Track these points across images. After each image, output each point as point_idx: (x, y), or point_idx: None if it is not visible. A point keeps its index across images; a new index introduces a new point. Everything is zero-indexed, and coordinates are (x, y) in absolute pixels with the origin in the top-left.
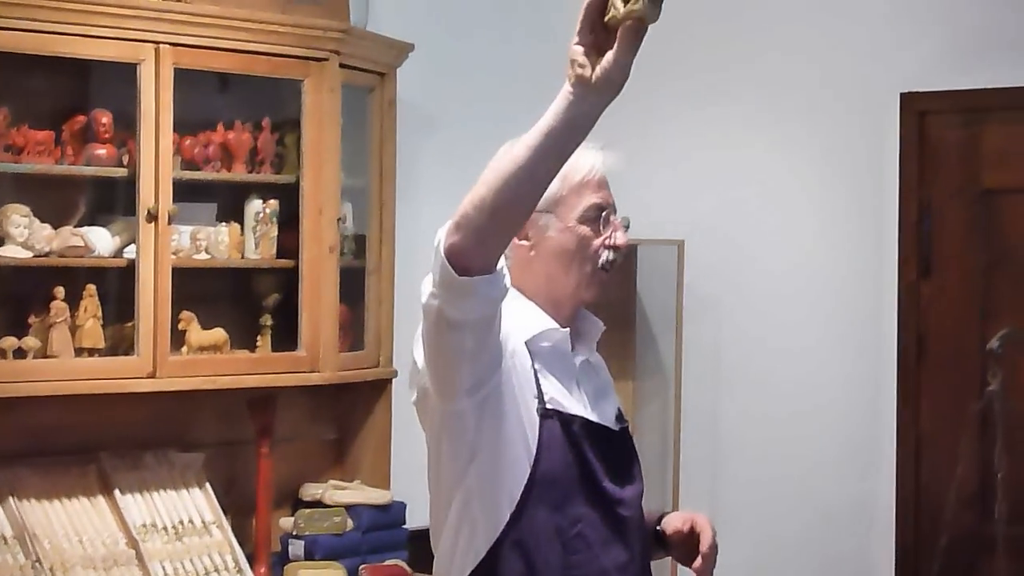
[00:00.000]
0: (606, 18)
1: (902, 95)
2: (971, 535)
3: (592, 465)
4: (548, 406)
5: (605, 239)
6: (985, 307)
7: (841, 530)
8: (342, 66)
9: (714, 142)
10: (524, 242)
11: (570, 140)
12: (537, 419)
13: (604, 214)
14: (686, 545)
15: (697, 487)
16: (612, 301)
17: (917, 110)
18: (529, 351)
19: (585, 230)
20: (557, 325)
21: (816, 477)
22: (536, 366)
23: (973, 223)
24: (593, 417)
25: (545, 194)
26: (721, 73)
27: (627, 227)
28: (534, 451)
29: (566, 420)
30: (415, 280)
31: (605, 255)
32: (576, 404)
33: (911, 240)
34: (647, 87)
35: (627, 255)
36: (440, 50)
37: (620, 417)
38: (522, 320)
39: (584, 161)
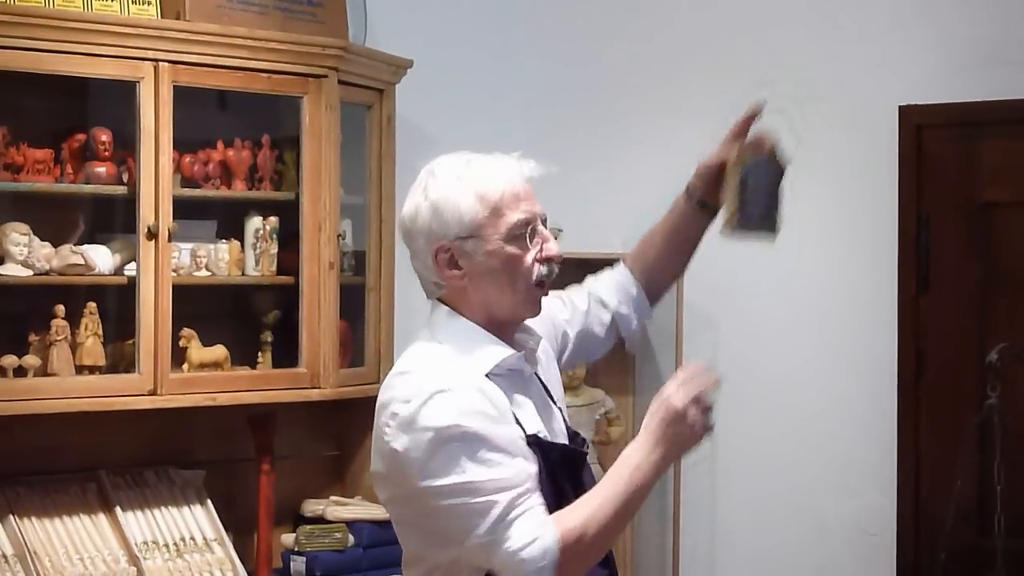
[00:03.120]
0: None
1: (900, 108)
2: (971, 549)
3: (567, 493)
4: (529, 432)
5: (536, 253)
6: (984, 321)
7: (841, 547)
8: (341, 83)
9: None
10: (456, 271)
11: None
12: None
13: (530, 228)
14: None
15: (696, 504)
16: None
17: (914, 123)
18: (494, 383)
19: (512, 249)
20: (510, 349)
21: (815, 493)
22: (508, 397)
23: (971, 237)
24: (559, 439)
25: (465, 220)
26: (719, 88)
27: (558, 234)
28: None
29: (546, 448)
30: (414, 296)
31: (537, 270)
32: (545, 428)
33: (909, 254)
34: (647, 105)
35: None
36: (438, 67)
37: (565, 423)
38: (479, 353)
39: (499, 177)
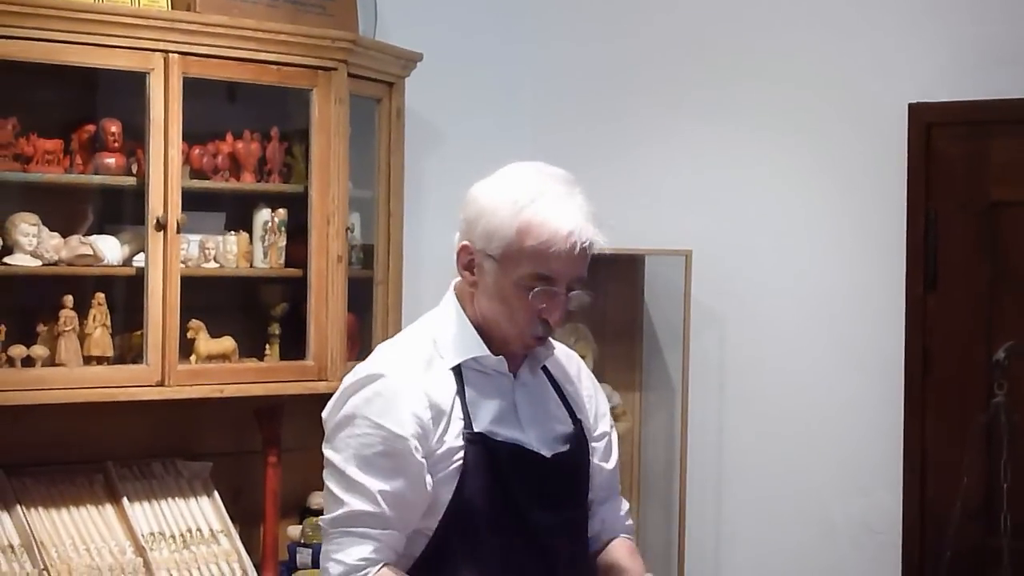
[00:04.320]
0: None
1: (910, 106)
2: (977, 548)
3: (514, 493)
4: (476, 429)
5: (537, 310)
6: (991, 320)
7: (847, 545)
8: (350, 76)
9: (721, 155)
10: (468, 274)
11: None
12: (462, 444)
13: (544, 287)
14: None
15: (702, 501)
16: (619, 312)
17: (924, 122)
18: (461, 373)
19: (518, 293)
20: (488, 352)
21: (822, 491)
22: (467, 392)
23: (979, 236)
24: (528, 442)
25: (496, 237)
26: (728, 86)
27: (582, 303)
28: (456, 480)
29: (492, 446)
30: (422, 290)
31: (534, 325)
32: (509, 429)
33: (917, 253)
34: (657, 101)
35: (636, 266)
36: (447, 61)
37: (568, 439)
38: (458, 342)
39: (550, 225)
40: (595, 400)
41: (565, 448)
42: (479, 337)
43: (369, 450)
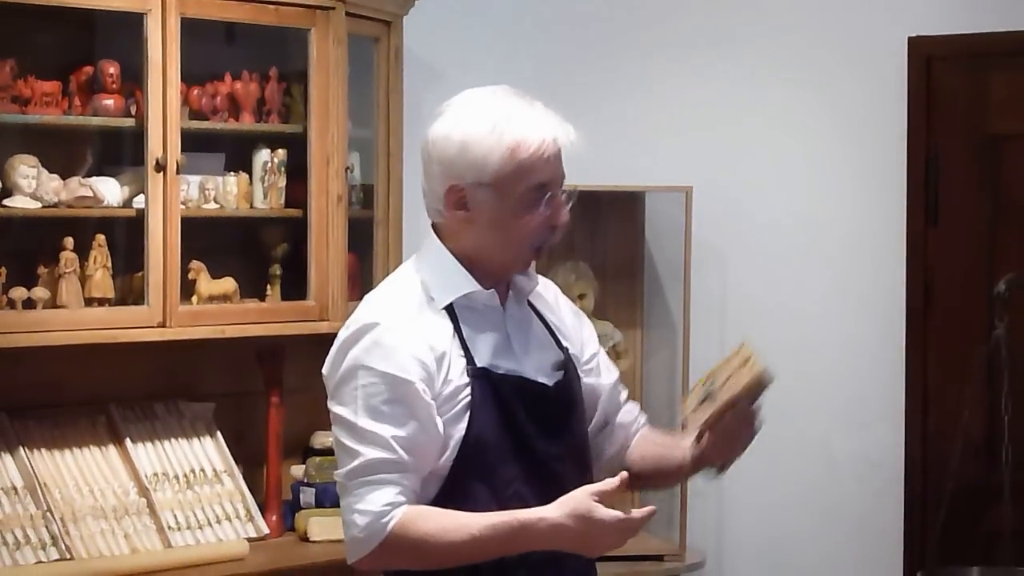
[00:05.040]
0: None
1: (909, 39)
2: (978, 482)
3: (522, 424)
4: (478, 365)
5: (545, 219)
6: (992, 253)
7: (849, 481)
8: (348, 15)
9: (719, 90)
10: (461, 212)
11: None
12: (467, 380)
13: (548, 194)
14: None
15: None
16: (620, 249)
17: (924, 55)
18: (455, 312)
19: (522, 208)
20: (479, 287)
21: (824, 428)
22: (464, 330)
23: (980, 170)
24: (527, 373)
25: (488, 169)
26: (725, 20)
27: (573, 199)
28: (465, 416)
29: (496, 380)
30: (423, 229)
31: (539, 236)
32: (507, 361)
33: (918, 188)
34: (655, 39)
35: (636, 202)
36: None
37: (561, 365)
38: (447, 281)
39: (534, 134)
40: (578, 326)
41: (560, 376)
42: (468, 273)
43: (376, 399)
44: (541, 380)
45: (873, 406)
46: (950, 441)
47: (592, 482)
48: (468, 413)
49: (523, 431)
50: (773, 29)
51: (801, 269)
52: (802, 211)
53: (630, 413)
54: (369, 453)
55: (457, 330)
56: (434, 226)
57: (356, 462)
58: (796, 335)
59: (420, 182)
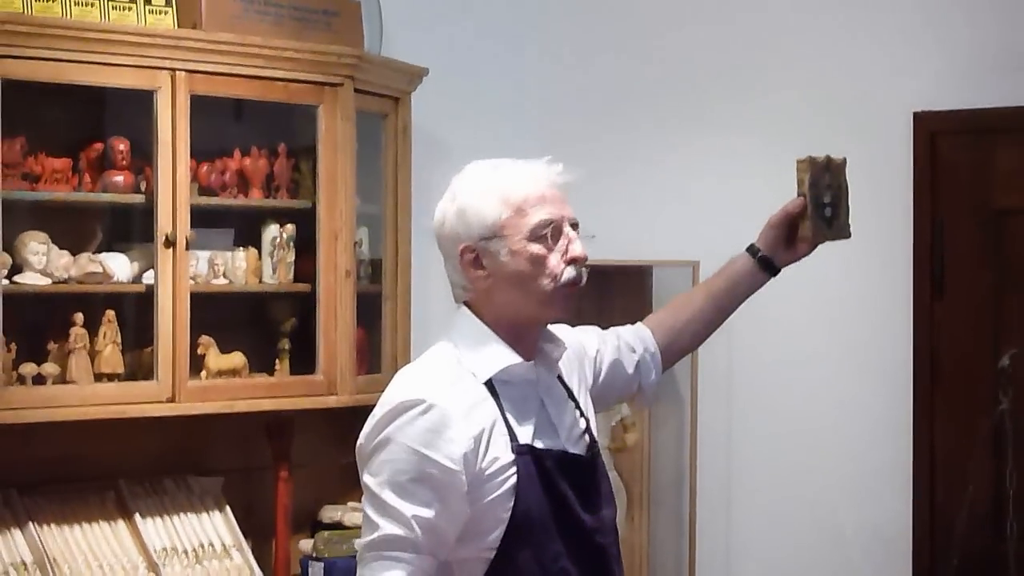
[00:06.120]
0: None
1: (914, 115)
2: (985, 554)
3: (567, 498)
4: (521, 441)
5: (560, 253)
6: (998, 327)
7: (857, 552)
8: (357, 91)
9: (725, 164)
10: (480, 272)
11: None
12: (512, 457)
13: (553, 228)
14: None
15: (712, 509)
16: (627, 322)
17: (929, 130)
18: (494, 388)
19: (536, 248)
20: (520, 358)
21: (832, 499)
22: (504, 405)
23: (985, 243)
24: (566, 447)
25: (488, 221)
26: (731, 95)
27: (590, 238)
28: (512, 495)
29: (539, 456)
30: (430, 304)
31: (566, 272)
32: (547, 436)
33: (924, 260)
34: (663, 113)
35: (643, 277)
36: (453, 76)
37: (587, 432)
38: (486, 354)
39: (523, 178)
40: (580, 354)
41: (590, 446)
42: (505, 344)
43: (404, 476)
44: (578, 452)
45: (881, 477)
46: (957, 512)
47: (620, 558)
48: (514, 492)
49: (568, 506)
50: (779, 104)
51: (809, 341)
52: (809, 283)
53: (633, 339)
54: (387, 528)
55: (499, 406)
56: (463, 307)
57: (375, 535)
58: (804, 407)
59: (444, 271)
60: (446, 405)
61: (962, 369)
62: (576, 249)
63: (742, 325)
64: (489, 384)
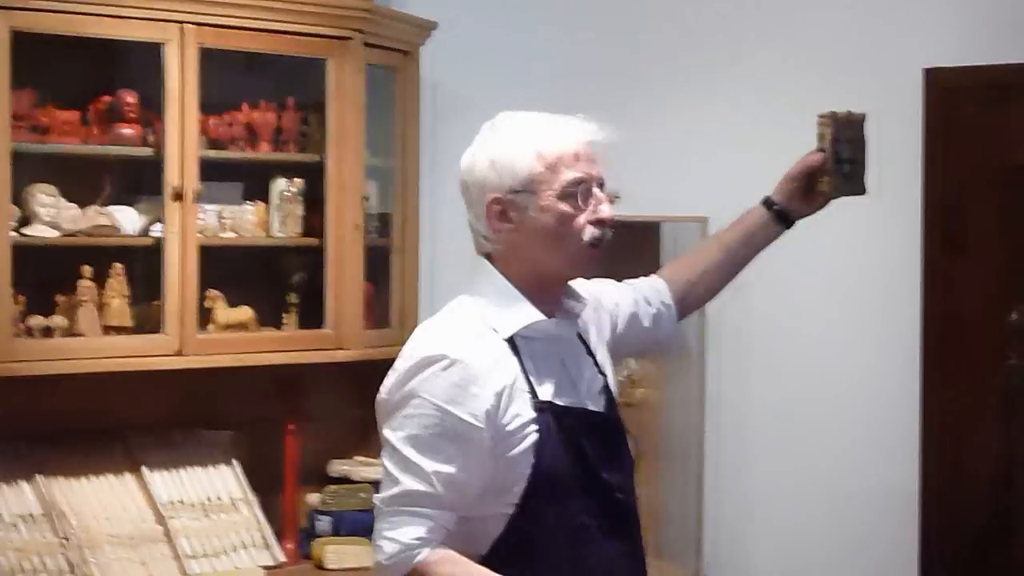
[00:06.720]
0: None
1: (926, 71)
2: (996, 514)
3: (588, 455)
4: (542, 398)
5: (588, 214)
6: (1009, 285)
7: (865, 512)
8: (366, 45)
9: (735, 120)
10: (507, 225)
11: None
12: (533, 415)
13: (583, 187)
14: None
15: (722, 469)
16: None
17: (942, 86)
18: (516, 344)
19: (565, 207)
20: (542, 315)
21: (840, 458)
22: (525, 362)
23: (998, 201)
24: (586, 404)
25: (520, 174)
26: (740, 52)
27: (615, 200)
28: (533, 452)
29: (559, 413)
30: (439, 258)
31: (590, 231)
32: (567, 393)
33: (936, 219)
34: (667, 68)
35: (652, 233)
36: (465, 29)
37: (603, 390)
38: (509, 310)
39: (559, 134)
40: (603, 315)
41: (609, 402)
42: (527, 300)
43: (427, 431)
44: (598, 409)
45: (890, 438)
46: (966, 472)
47: (639, 518)
48: (535, 449)
49: (588, 463)
50: (789, 60)
51: (818, 298)
52: (819, 241)
53: (649, 292)
54: (409, 484)
55: (520, 363)
56: (483, 259)
57: (395, 489)
58: (814, 366)
59: (466, 220)
60: (470, 361)
61: (974, 329)
62: (604, 211)
63: (754, 284)
64: (510, 340)
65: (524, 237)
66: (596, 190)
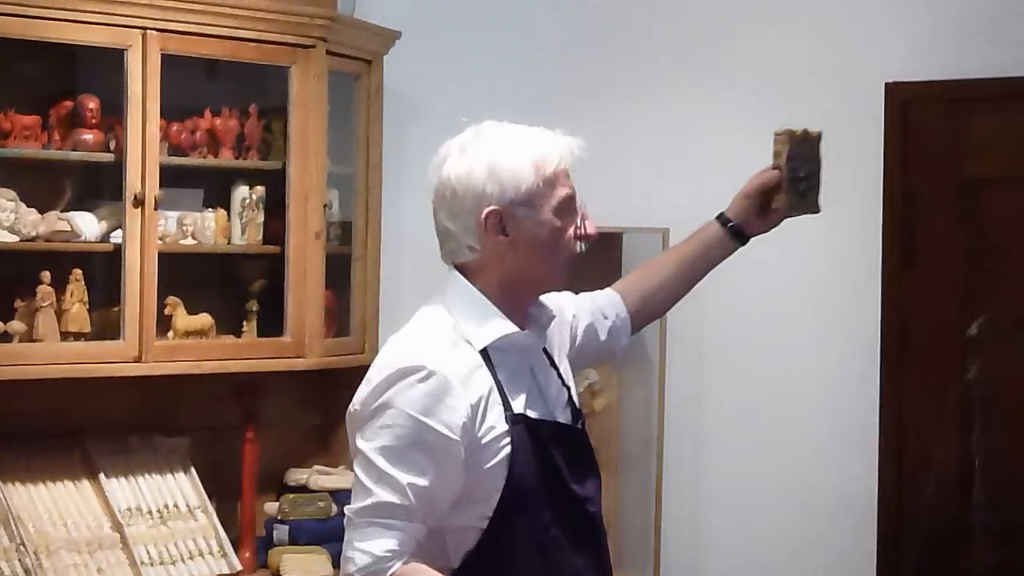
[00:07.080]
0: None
1: (887, 85)
2: (951, 522)
3: (559, 468)
4: (516, 411)
5: (577, 229)
6: (967, 296)
7: (823, 518)
8: (329, 53)
9: (696, 132)
10: (502, 237)
11: None
12: (507, 427)
13: (572, 203)
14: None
15: (680, 475)
16: (597, 289)
17: (901, 100)
18: (489, 357)
19: (559, 221)
20: (515, 328)
21: (799, 465)
22: (499, 374)
23: (956, 213)
24: (556, 416)
25: (522, 187)
26: (704, 64)
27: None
28: (507, 464)
29: (532, 425)
30: (400, 267)
31: (576, 245)
32: (538, 405)
33: (895, 229)
34: (627, 78)
35: (613, 244)
36: (427, 38)
37: (571, 400)
38: (483, 322)
39: (554, 151)
40: (563, 328)
41: (575, 414)
42: (500, 312)
43: (401, 442)
44: (567, 422)
45: (848, 444)
46: (924, 479)
47: (604, 530)
48: (509, 461)
49: (560, 476)
50: (751, 74)
51: (778, 309)
52: (779, 251)
53: (605, 304)
54: (382, 495)
55: (494, 375)
56: (454, 270)
57: (368, 501)
58: (772, 374)
59: (437, 226)
60: (446, 372)
61: (932, 339)
62: (591, 227)
63: (712, 292)
64: (483, 352)
65: (516, 249)
66: (583, 206)
